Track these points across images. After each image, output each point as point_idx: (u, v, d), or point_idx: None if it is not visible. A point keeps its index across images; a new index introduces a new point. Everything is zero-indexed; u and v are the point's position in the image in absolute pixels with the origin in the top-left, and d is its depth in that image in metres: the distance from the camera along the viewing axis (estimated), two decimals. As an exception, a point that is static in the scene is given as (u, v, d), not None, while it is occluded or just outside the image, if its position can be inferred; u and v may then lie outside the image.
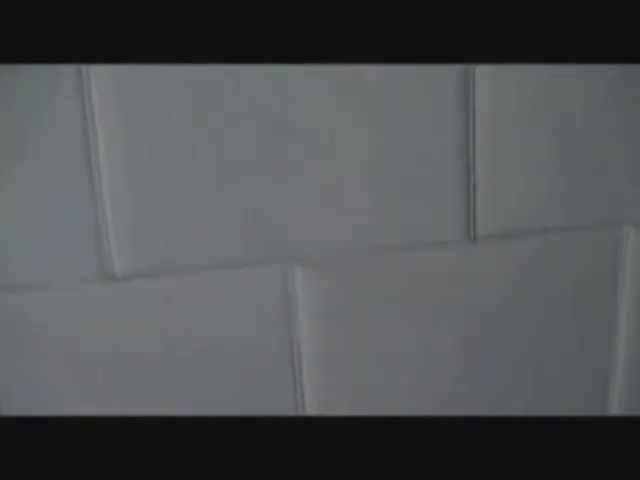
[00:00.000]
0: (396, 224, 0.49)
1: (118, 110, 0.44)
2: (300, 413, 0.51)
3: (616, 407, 0.55)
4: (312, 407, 0.51)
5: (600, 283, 0.51)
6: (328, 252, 0.48)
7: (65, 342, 0.47)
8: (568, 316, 0.52)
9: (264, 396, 0.50)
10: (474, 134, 0.47)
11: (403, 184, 0.48)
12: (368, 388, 0.52)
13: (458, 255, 0.50)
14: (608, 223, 0.50)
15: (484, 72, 0.46)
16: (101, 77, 0.43)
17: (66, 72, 0.43)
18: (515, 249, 0.50)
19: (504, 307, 0.51)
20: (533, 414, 0.52)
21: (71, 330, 0.47)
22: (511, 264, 0.50)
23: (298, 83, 0.45)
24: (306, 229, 0.48)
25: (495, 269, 0.50)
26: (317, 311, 0.49)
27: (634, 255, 0.50)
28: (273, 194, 0.47)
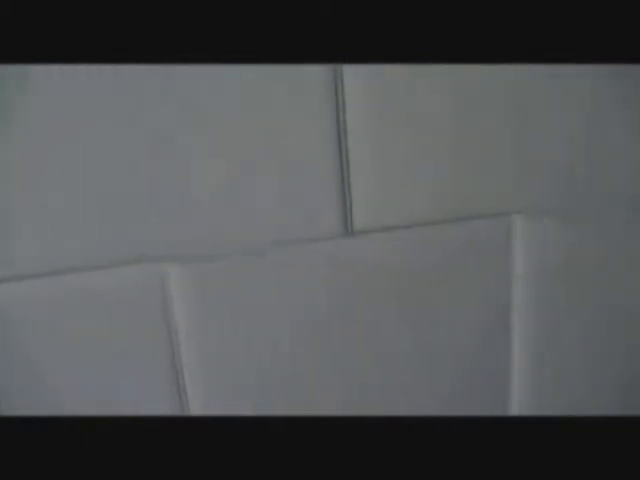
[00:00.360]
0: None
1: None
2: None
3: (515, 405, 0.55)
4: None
5: (493, 272, 0.51)
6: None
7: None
8: (461, 306, 0.51)
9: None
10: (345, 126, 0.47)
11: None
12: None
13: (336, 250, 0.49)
14: (498, 213, 0.49)
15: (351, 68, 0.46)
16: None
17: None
18: (397, 242, 0.49)
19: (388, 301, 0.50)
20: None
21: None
22: (394, 257, 0.49)
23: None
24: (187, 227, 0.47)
25: (376, 262, 0.49)
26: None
27: (524, 244, 0.50)
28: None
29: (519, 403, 0.55)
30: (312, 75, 0.45)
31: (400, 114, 0.47)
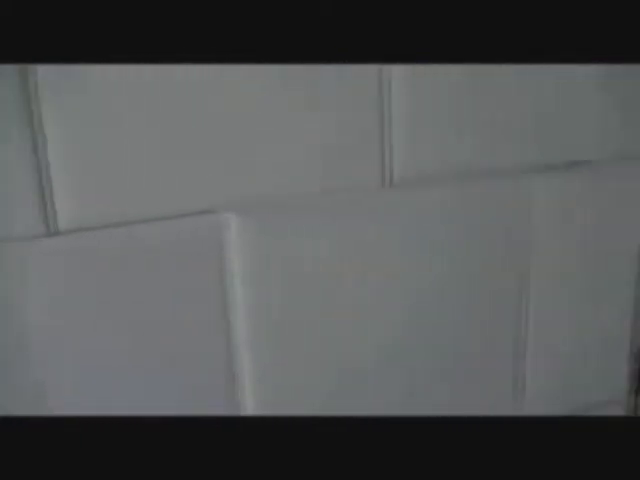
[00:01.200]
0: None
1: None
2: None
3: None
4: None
5: (207, 274, 0.49)
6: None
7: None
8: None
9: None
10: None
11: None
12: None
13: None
14: (209, 210, 0.48)
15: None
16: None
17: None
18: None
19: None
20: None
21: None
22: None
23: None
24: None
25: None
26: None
27: (239, 242, 0.49)
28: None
29: (252, 407, 0.53)
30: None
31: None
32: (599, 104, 0.57)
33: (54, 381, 0.46)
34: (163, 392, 0.49)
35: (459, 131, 0.52)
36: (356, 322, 0.53)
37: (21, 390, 0.45)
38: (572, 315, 0.60)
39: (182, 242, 0.47)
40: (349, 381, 0.53)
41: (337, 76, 0.48)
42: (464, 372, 0.57)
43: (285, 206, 0.49)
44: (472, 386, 0.58)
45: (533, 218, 0.56)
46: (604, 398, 0.64)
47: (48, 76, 0.41)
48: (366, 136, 0.50)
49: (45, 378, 0.45)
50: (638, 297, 0.63)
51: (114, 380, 0.47)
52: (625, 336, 0.64)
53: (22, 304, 0.44)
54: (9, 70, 0.41)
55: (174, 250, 0.47)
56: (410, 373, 0.55)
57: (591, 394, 0.64)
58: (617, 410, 0.66)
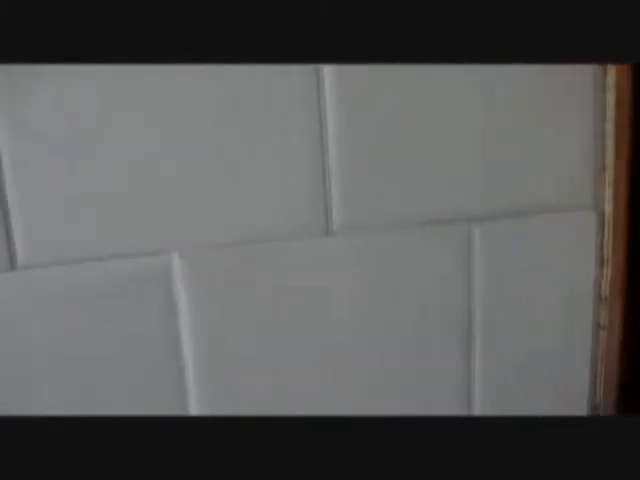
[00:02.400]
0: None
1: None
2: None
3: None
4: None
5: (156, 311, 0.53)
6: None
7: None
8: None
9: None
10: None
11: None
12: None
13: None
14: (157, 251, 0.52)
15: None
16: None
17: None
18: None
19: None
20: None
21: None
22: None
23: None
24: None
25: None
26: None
27: (185, 283, 0.53)
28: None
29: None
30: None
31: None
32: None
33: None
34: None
35: (397, 180, 0.55)
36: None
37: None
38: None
39: (131, 280, 0.51)
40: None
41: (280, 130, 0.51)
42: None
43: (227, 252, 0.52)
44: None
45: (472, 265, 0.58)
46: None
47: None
48: (307, 187, 0.53)
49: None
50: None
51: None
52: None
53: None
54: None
55: (123, 287, 0.51)
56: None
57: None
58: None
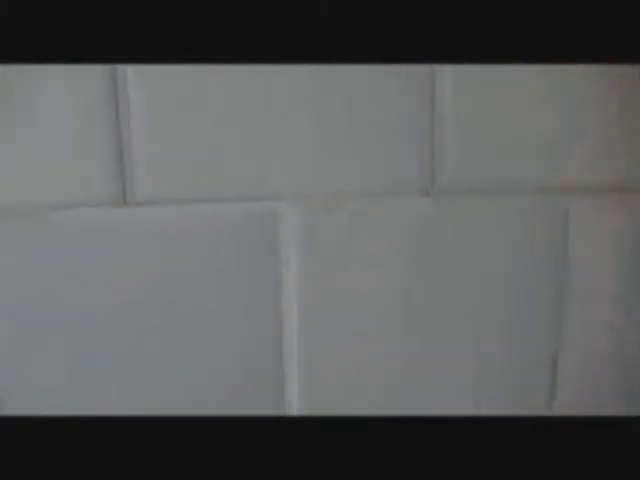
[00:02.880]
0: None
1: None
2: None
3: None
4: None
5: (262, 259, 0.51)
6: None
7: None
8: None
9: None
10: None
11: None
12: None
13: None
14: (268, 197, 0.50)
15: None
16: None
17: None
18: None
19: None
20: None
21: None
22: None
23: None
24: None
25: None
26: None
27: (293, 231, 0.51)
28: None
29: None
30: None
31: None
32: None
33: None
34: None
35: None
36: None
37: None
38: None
39: (240, 225, 0.49)
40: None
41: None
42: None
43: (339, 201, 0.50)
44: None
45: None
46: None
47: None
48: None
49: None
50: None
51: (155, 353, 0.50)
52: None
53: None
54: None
55: (233, 232, 0.49)
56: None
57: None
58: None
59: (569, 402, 0.57)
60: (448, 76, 0.49)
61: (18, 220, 0.47)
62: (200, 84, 0.47)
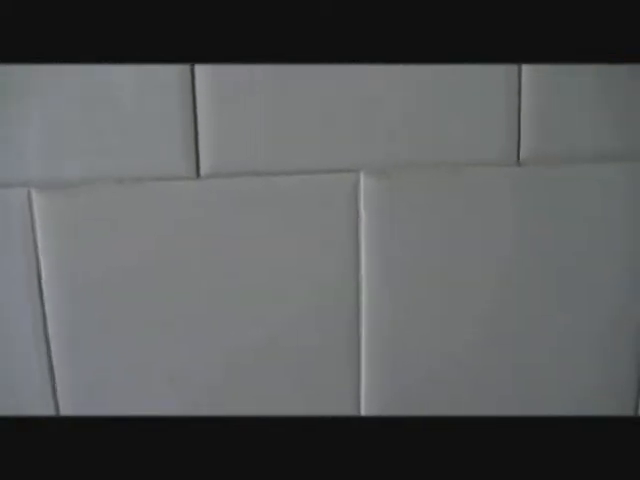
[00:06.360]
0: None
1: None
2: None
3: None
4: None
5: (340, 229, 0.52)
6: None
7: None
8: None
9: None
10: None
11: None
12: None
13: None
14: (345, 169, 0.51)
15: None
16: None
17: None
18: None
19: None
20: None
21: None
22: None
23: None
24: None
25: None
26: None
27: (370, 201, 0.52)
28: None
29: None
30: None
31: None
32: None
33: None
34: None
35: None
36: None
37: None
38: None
39: (318, 197, 0.50)
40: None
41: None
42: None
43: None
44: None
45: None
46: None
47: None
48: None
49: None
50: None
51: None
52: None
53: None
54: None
55: (310, 203, 0.50)
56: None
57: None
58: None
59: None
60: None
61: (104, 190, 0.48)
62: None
